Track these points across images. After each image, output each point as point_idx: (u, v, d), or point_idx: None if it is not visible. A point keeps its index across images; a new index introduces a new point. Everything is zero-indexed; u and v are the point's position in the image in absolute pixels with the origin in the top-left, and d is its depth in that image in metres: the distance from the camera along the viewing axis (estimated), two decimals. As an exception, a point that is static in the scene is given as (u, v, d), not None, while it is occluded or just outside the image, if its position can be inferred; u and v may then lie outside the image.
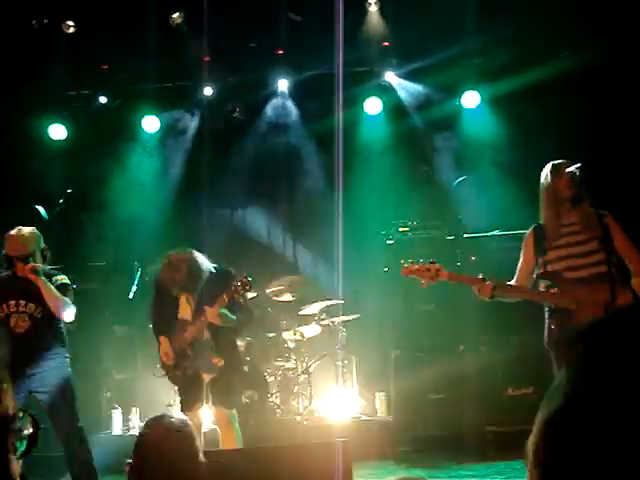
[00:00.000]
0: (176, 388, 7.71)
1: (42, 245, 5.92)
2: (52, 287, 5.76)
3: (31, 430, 1.43)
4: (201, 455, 2.83)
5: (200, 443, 2.87)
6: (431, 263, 4.93)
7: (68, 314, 5.86)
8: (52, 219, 8.06)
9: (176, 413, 3.01)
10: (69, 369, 6.00)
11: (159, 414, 2.94)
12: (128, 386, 8.68)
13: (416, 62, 9.23)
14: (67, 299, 5.83)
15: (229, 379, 5.92)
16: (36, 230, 5.92)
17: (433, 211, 8.95)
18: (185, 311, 5.92)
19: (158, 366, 6.36)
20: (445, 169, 9.43)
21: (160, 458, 2.78)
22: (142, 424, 8.14)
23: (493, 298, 4.80)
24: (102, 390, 8.38)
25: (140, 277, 8.32)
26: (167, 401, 8.30)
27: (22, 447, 1.45)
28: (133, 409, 8.56)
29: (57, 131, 9.49)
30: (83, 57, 8.93)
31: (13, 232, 5.81)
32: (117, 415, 8.47)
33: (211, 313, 5.64)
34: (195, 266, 5.71)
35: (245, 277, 5.66)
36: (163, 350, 5.95)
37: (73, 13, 8.67)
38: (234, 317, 5.79)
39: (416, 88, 9.52)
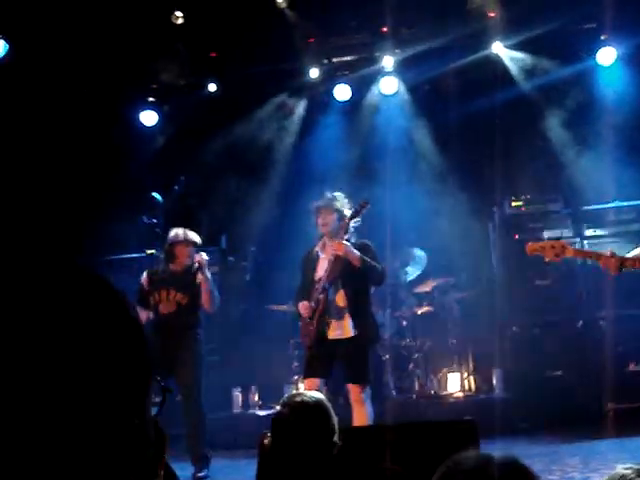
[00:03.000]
0: (296, 364, 7.88)
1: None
2: (212, 283, 6.79)
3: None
4: (336, 434, 2.86)
5: (335, 420, 2.90)
6: (556, 240, 4.87)
7: (214, 307, 6.87)
8: (168, 205, 8.30)
9: (311, 392, 3.06)
10: (202, 349, 6.85)
11: (295, 392, 3.00)
12: (246, 366, 8.88)
13: (525, 32, 8.97)
14: (217, 295, 6.87)
15: (365, 352, 5.96)
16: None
17: (548, 183, 8.74)
18: (322, 271, 6.04)
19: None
20: (560, 138, 9.15)
21: (296, 436, 2.82)
22: (259, 402, 8.37)
23: (620, 272, 4.71)
24: (222, 370, 8.59)
25: (255, 260, 8.47)
26: (285, 379, 8.48)
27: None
28: (252, 388, 8.78)
29: (170, 119, 9.73)
30: (192, 46, 9.10)
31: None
32: (237, 394, 8.70)
33: (337, 244, 5.79)
34: (333, 203, 6.02)
35: (364, 201, 5.94)
36: (302, 307, 6.02)
37: (181, 3, 8.84)
38: (358, 253, 5.86)
39: (525, 57, 9.27)
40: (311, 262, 6.14)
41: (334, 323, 5.93)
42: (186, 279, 6.76)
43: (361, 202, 5.99)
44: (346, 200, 6.11)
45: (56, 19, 8.24)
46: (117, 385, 0.85)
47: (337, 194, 6.11)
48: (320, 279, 5.98)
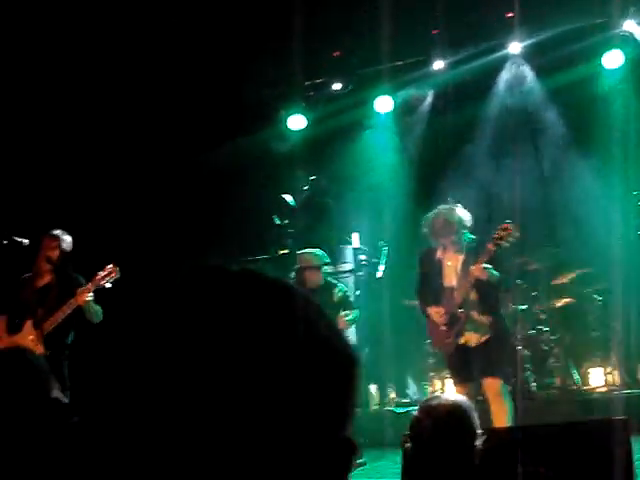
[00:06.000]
0: (431, 361, 7.83)
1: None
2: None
3: None
4: (478, 439, 2.78)
5: (477, 424, 2.82)
6: None
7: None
8: (299, 206, 8.39)
9: (450, 394, 3.00)
10: None
11: (433, 396, 2.95)
12: (381, 362, 8.86)
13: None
14: (352, 316, 7.00)
15: (500, 347, 5.94)
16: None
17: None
18: (450, 278, 6.03)
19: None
20: None
21: (433, 442, 2.77)
22: (396, 398, 8.33)
23: None
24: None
25: (387, 256, 8.42)
26: (421, 376, 8.41)
27: None
28: (388, 384, 8.76)
29: (297, 121, 9.82)
30: (316, 45, 9.15)
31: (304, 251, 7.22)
32: (373, 390, 8.71)
33: (477, 268, 5.73)
34: (451, 215, 5.95)
35: (506, 224, 5.77)
36: (435, 313, 6.03)
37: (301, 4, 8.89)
38: (496, 272, 5.80)
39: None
40: (434, 265, 6.10)
41: (470, 333, 5.95)
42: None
43: (502, 227, 5.83)
44: (461, 208, 6.04)
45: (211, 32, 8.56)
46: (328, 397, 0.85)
47: (452, 209, 6.02)
48: (452, 289, 5.96)
